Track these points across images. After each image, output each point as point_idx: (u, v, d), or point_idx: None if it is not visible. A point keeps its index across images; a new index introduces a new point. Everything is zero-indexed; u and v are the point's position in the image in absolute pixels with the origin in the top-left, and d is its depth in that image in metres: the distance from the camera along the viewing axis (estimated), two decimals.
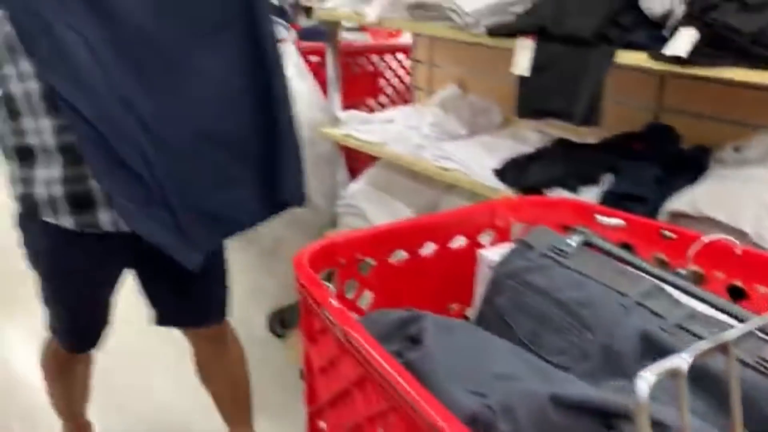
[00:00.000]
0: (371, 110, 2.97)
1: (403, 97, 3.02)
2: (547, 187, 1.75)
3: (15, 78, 1.22)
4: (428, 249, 1.22)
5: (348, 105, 2.68)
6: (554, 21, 1.61)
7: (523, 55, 1.68)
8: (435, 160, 2.05)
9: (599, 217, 1.29)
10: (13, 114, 1.26)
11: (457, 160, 2.01)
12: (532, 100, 1.71)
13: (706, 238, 1.10)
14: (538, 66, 1.66)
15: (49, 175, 1.28)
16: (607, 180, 1.69)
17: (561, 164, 1.78)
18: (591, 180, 1.71)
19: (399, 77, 3.00)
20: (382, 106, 3.00)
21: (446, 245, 1.24)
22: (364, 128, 2.41)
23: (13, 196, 1.36)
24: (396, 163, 2.27)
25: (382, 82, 3.00)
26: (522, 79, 1.71)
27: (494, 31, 1.76)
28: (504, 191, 1.86)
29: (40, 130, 1.25)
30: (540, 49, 1.65)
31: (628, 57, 1.50)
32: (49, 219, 1.31)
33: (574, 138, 1.98)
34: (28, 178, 1.31)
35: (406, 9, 2.03)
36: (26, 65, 1.20)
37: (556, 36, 1.61)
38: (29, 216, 1.34)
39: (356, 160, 2.84)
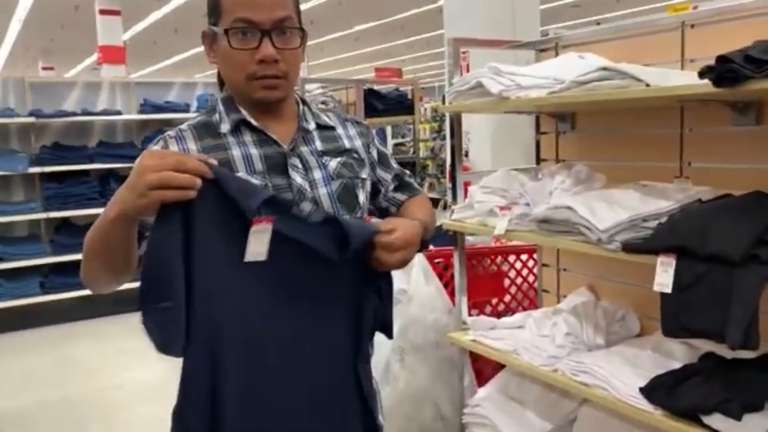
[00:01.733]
0: (495, 310, 2.94)
1: (528, 297, 2.99)
2: (704, 413, 1.61)
3: None
4: None
5: (472, 305, 2.68)
6: (697, 240, 1.58)
7: (664, 273, 1.64)
8: (573, 375, 1.97)
9: None
10: None
11: (596, 374, 1.91)
12: (679, 318, 1.63)
13: None
14: (682, 284, 1.60)
15: None
16: None
17: (717, 385, 1.65)
18: (754, 406, 1.57)
19: (524, 278, 2.99)
20: (507, 306, 2.97)
21: None
22: (493, 334, 2.38)
23: None
24: (528, 374, 2.19)
25: (506, 282, 3.00)
26: (665, 296, 1.65)
27: (631, 248, 1.75)
28: (653, 413, 1.73)
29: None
30: (683, 268, 1.61)
31: None
32: None
33: (725, 353, 1.85)
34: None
35: (535, 222, 2.07)
36: None
37: (700, 255, 1.57)
38: None
39: (484, 365, 2.78)
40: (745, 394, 1.59)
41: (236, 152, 1.31)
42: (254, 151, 1.31)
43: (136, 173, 1.06)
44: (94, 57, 11.95)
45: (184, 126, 1.36)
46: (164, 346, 1.11)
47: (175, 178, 1.04)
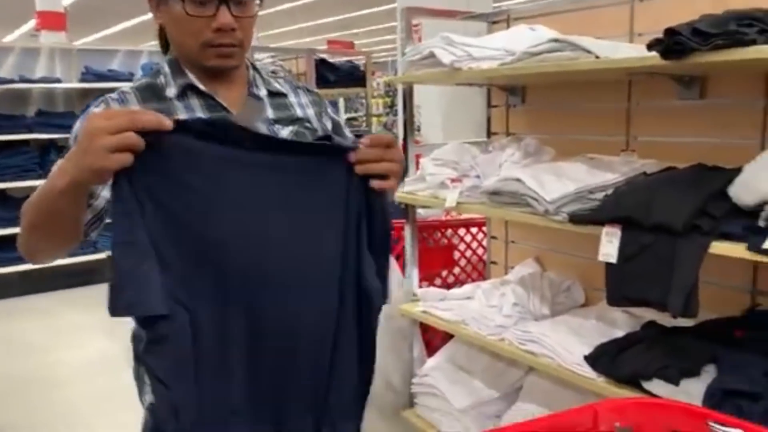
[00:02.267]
0: (445, 282, 2.97)
1: (477, 269, 3.02)
2: (644, 379, 1.66)
3: None
4: None
5: (422, 277, 2.70)
6: (641, 211, 1.61)
7: (609, 243, 1.67)
8: (520, 344, 2.00)
9: (715, 426, 1.19)
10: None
11: (543, 343, 1.95)
12: (623, 287, 1.67)
13: None
14: (626, 254, 1.64)
15: None
16: (710, 372, 1.60)
17: (657, 353, 1.70)
18: (691, 372, 1.62)
19: (473, 250, 3.02)
20: (456, 278, 3.00)
21: None
22: (443, 305, 2.40)
23: (144, 406, 1.32)
24: (477, 343, 2.22)
25: (456, 254, 3.02)
26: (610, 266, 1.68)
27: (577, 219, 1.77)
28: (596, 380, 1.78)
29: None
30: (628, 238, 1.64)
31: (723, 248, 1.47)
32: None
33: (665, 321, 1.90)
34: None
35: (485, 195, 2.08)
36: None
37: (644, 225, 1.60)
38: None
39: (434, 336, 2.80)
40: (684, 360, 1.64)
41: (182, 117, 1.25)
42: (202, 117, 1.27)
43: (87, 136, 0.96)
44: (33, 23, 11.42)
45: (126, 88, 1.29)
46: (133, 305, 1.01)
47: (132, 138, 0.96)
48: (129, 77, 5.99)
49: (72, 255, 5.61)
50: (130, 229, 1.00)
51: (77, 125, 1.23)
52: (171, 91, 1.28)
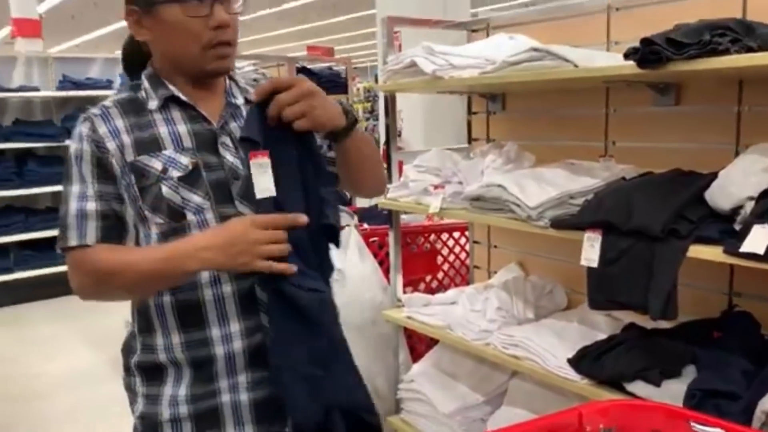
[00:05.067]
0: (429, 287, 2.99)
1: (460, 273, 3.05)
2: (626, 380, 1.69)
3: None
4: None
5: (406, 282, 2.72)
6: (621, 216, 1.65)
7: (590, 248, 1.71)
8: (504, 348, 2.02)
9: (696, 426, 1.23)
10: (146, 328, 1.29)
11: (527, 347, 1.97)
12: (604, 291, 1.70)
13: None
14: (607, 259, 1.67)
15: (175, 393, 1.26)
16: (690, 373, 1.64)
17: (638, 354, 1.73)
18: (672, 373, 1.66)
19: (456, 255, 3.05)
20: (440, 283, 3.02)
21: None
22: (427, 311, 2.42)
23: (135, 415, 1.34)
24: (461, 348, 2.24)
25: (439, 259, 3.05)
26: (591, 270, 1.72)
27: (559, 224, 1.81)
28: (579, 382, 1.81)
29: (172, 346, 1.26)
30: (608, 243, 1.67)
31: (701, 251, 1.51)
32: None
33: (645, 323, 1.94)
34: (153, 395, 1.29)
35: (467, 200, 2.11)
36: None
37: (623, 230, 1.64)
38: None
39: (418, 341, 2.82)
40: (664, 361, 1.68)
41: (163, 129, 1.27)
42: (182, 128, 1.28)
43: (243, 240, 1.15)
44: (8, 30, 11.28)
45: (108, 102, 1.30)
46: None
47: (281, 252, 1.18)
48: (107, 84, 5.95)
49: (49, 265, 5.57)
50: None
51: (73, 146, 1.26)
52: (152, 104, 1.29)
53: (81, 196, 1.23)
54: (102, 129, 1.25)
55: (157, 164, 1.23)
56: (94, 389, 3.75)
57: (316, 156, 1.30)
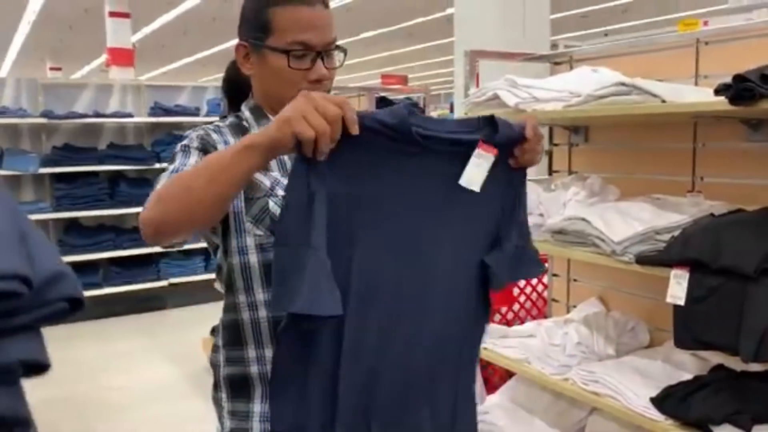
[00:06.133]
0: (504, 319, 2.97)
1: (537, 306, 3.02)
2: (714, 423, 1.64)
3: (245, 306, 1.31)
4: None
5: None
6: (710, 253, 1.62)
7: (677, 285, 1.68)
8: (584, 384, 2.00)
9: None
10: (236, 342, 1.32)
11: (607, 384, 1.94)
12: (691, 330, 1.67)
13: None
14: (695, 297, 1.64)
15: (264, 411, 1.29)
16: None
17: (728, 397, 1.68)
18: (764, 418, 1.60)
19: (533, 287, 3.02)
20: (516, 315, 3.00)
21: None
22: (505, 342, 2.41)
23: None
24: (539, 382, 2.22)
25: (515, 291, 3.03)
26: (678, 308, 1.69)
27: (644, 260, 1.78)
28: (663, 423, 1.76)
29: (265, 359, 1.29)
30: (696, 281, 1.64)
31: None
32: None
33: (735, 364, 1.88)
34: (242, 412, 1.32)
35: (549, 233, 2.10)
36: (261, 295, 1.30)
37: (713, 268, 1.60)
38: None
39: (492, 373, 2.81)
40: (755, 406, 1.62)
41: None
42: (286, 156, 1.35)
43: (292, 107, 1.03)
44: (103, 58, 12.00)
45: (218, 123, 1.40)
46: (310, 306, 1.02)
47: (346, 113, 1.04)
48: (195, 112, 6.23)
49: (134, 282, 5.85)
50: (305, 221, 1.05)
51: (181, 144, 1.32)
52: (255, 131, 1.37)
53: (179, 167, 1.25)
54: (215, 137, 1.33)
55: (266, 181, 1.29)
56: (173, 404, 3.88)
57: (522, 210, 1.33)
